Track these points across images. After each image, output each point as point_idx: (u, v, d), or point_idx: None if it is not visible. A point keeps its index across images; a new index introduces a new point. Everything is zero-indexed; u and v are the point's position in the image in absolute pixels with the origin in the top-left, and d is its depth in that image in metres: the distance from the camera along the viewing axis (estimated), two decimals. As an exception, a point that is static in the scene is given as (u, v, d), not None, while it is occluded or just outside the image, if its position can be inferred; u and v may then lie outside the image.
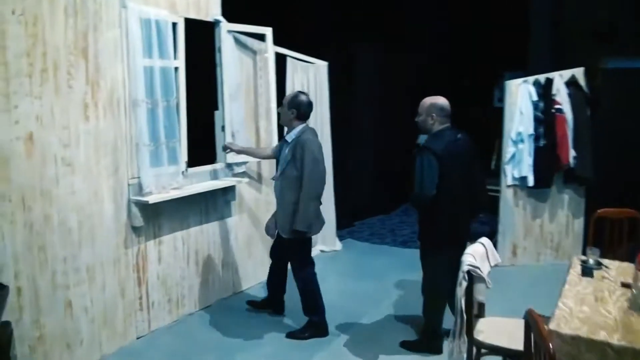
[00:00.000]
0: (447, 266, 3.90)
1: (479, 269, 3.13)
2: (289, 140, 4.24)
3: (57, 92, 3.58)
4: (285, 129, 4.38)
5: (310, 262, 4.43)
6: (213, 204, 4.96)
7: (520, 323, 2.53)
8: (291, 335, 4.41)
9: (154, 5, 4.20)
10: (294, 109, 4.22)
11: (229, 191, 5.04)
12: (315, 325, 4.41)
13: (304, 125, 4.26)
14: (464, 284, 3.12)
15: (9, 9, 3.26)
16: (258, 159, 5.08)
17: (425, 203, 3.85)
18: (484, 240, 3.46)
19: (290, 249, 4.34)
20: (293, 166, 4.13)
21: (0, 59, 3.24)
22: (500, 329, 3.26)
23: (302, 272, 4.36)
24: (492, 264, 3.43)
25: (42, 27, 3.45)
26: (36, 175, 3.50)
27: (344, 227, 7.36)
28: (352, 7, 7.12)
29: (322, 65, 6.23)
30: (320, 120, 6.27)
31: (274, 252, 4.67)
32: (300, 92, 4.38)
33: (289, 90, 5.77)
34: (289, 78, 5.79)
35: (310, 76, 6.09)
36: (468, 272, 3.12)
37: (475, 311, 3.31)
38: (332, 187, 6.50)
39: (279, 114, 4.38)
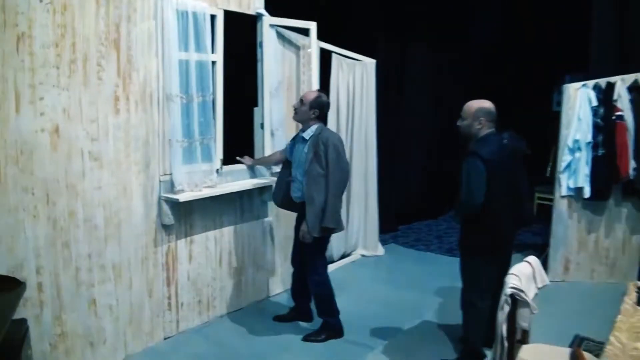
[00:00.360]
0: (488, 280, 3.65)
1: (523, 292, 2.82)
2: (307, 138, 4.11)
3: (85, 84, 3.48)
4: (298, 125, 4.28)
5: (325, 264, 4.33)
6: (249, 204, 4.79)
7: (567, 353, 2.25)
8: (307, 338, 4.28)
9: (192, -4, 4.06)
10: (317, 109, 4.11)
11: (265, 190, 4.85)
12: (330, 327, 4.30)
13: (320, 123, 4.16)
14: (506, 308, 2.81)
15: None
16: (272, 165, 4.87)
17: (474, 211, 3.58)
18: (531, 259, 3.14)
19: (312, 247, 4.16)
20: (316, 164, 3.98)
21: (26, 48, 3.16)
22: (545, 358, 2.95)
23: (318, 275, 4.23)
24: (539, 286, 3.11)
25: (71, 16, 3.35)
26: (61, 168, 3.41)
27: (387, 232, 7.09)
28: (403, 2, 6.82)
29: (369, 63, 5.98)
30: (366, 120, 6.03)
31: (296, 259, 4.48)
32: (321, 92, 4.26)
33: (334, 88, 5.58)
34: (333, 75, 5.57)
35: (357, 74, 5.84)
36: (511, 295, 2.82)
37: (518, 336, 3.01)
38: (375, 189, 6.26)
39: (295, 110, 4.22)
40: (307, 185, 4.02)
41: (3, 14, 3.03)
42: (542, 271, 3.20)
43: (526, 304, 2.89)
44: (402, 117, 7.34)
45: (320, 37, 5.12)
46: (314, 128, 4.10)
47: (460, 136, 3.79)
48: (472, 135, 3.72)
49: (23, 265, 3.27)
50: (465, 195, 3.56)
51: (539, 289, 3.13)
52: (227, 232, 4.63)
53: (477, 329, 3.82)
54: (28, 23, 3.15)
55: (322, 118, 4.20)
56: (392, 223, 7.35)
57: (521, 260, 3.15)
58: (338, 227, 4.09)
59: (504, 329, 2.87)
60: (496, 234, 3.66)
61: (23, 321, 3.04)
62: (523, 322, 2.94)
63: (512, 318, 2.89)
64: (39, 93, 3.24)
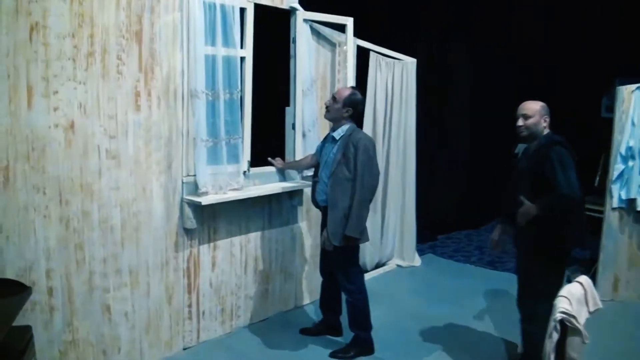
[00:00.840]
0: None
1: (575, 318, 2.49)
2: (337, 138, 3.85)
3: (104, 78, 3.29)
4: (329, 124, 4.03)
5: (360, 272, 4.06)
6: (277, 208, 4.55)
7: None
8: (334, 354, 3.99)
9: (220, -13, 3.85)
10: (350, 107, 3.85)
11: (295, 195, 4.61)
12: (361, 342, 4.00)
13: (352, 123, 3.89)
14: (555, 336, 2.49)
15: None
16: (304, 169, 4.58)
17: (577, 204, 3.32)
18: (583, 279, 2.79)
19: (338, 257, 3.89)
20: (344, 166, 3.73)
21: (40, 39, 2.98)
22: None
23: (351, 283, 3.94)
24: (591, 310, 2.77)
25: (89, 6, 3.17)
26: (75, 167, 3.22)
27: (425, 241, 6.76)
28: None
29: (409, 62, 5.67)
30: (405, 122, 5.72)
31: (324, 268, 4.21)
32: (355, 89, 3.98)
33: (371, 88, 5.31)
34: (371, 74, 5.28)
35: (396, 73, 5.54)
36: (561, 321, 2.49)
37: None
38: (414, 195, 5.95)
39: (327, 108, 3.96)
40: (332, 189, 3.77)
41: (15, 1, 2.86)
42: (595, 293, 2.85)
43: (577, 331, 2.56)
44: (442, 120, 7.03)
45: (358, 33, 4.84)
46: (345, 128, 3.84)
47: (522, 137, 3.53)
48: (536, 135, 3.47)
49: (32, 268, 3.09)
50: (567, 185, 3.23)
51: (590, 313, 2.79)
52: (254, 237, 4.39)
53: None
54: (42, 12, 2.97)
55: (356, 117, 3.94)
56: (431, 232, 7.02)
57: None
58: (362, 237, 3.80)
59: (552, 359, 2.54)
60: (583, 233, 3.47)
61: (27, 328, 2.86)
62: (573, 352, 2.61)
63: (561, 347, 2.56)
64: (53, 86, 3.06)
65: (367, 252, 5.53)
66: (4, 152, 2.92)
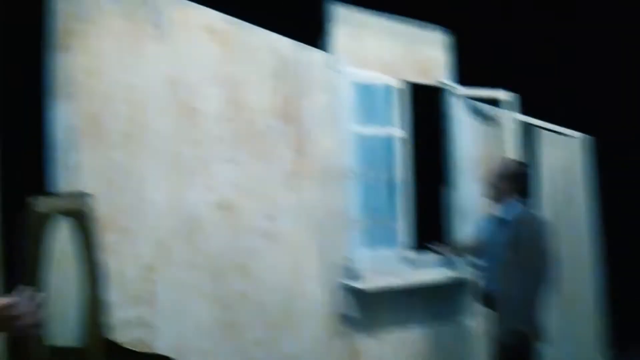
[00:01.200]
0: None
1: None
2: (504, 218, 3.47)
3: (257, 159, 3.35)
4: (492, 204, 3.65)
5: None
6: (443, 299, 4.17)
7: None
8: None
9: (370, 68, 3.87)
10: (516, 183, 3.52)
11: (462, 284, 4.20)
12: None
13: (519, 201, 3.52)
14: None
15: (201, 68, 3.16)
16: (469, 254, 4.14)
17: None
18: None
19: (511, 358, 3.37)
20: (515, 252, 3.32)
21: (196, 122, 3.12)
22: None
23: None
24: None
25: (242, 90, 3.31)
26: (231, 246, 3.22)
27: (615, 348, 5.75)
28: (625, 66, 5.92)
29: (583, 139, 5.20)
30: (580, 206, 5.14)
31: None
32: (518, 161, 3.73)
33: (540, 168, 4.86)
34: (540, 154, 4.86)
35: (568, 151, 5.08)
36: None
37: None
38: (597, 293, 5.22)
39: (488, 185, 3.64)
40: (501, 277, 3.38)
41: (171, 85, 3.04)
42: None
43: None
44: (633, 202, 6.20)
45: (522, 108, 4.55)
46: (512, 207, 3.49)
47: None
48: None
49: (186, 347, 3.03)
50: None
51: None
52: (421, 331, 4.04)
53: None
54: (197, 97, 3.13)
55: (522, 194, 3.57)
56: (621, 339, 6.00)
57: None
58: (531, 332, 3.31)
59: None
60: None
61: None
62: None
63: None
64: (209, 167, 3.16)
65: (546, 356, 4.82)
66: (161, 230, 3.00)
